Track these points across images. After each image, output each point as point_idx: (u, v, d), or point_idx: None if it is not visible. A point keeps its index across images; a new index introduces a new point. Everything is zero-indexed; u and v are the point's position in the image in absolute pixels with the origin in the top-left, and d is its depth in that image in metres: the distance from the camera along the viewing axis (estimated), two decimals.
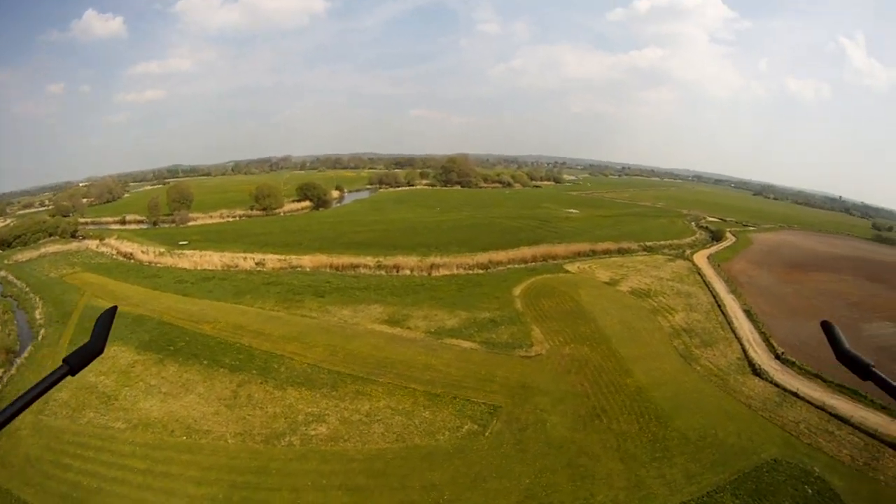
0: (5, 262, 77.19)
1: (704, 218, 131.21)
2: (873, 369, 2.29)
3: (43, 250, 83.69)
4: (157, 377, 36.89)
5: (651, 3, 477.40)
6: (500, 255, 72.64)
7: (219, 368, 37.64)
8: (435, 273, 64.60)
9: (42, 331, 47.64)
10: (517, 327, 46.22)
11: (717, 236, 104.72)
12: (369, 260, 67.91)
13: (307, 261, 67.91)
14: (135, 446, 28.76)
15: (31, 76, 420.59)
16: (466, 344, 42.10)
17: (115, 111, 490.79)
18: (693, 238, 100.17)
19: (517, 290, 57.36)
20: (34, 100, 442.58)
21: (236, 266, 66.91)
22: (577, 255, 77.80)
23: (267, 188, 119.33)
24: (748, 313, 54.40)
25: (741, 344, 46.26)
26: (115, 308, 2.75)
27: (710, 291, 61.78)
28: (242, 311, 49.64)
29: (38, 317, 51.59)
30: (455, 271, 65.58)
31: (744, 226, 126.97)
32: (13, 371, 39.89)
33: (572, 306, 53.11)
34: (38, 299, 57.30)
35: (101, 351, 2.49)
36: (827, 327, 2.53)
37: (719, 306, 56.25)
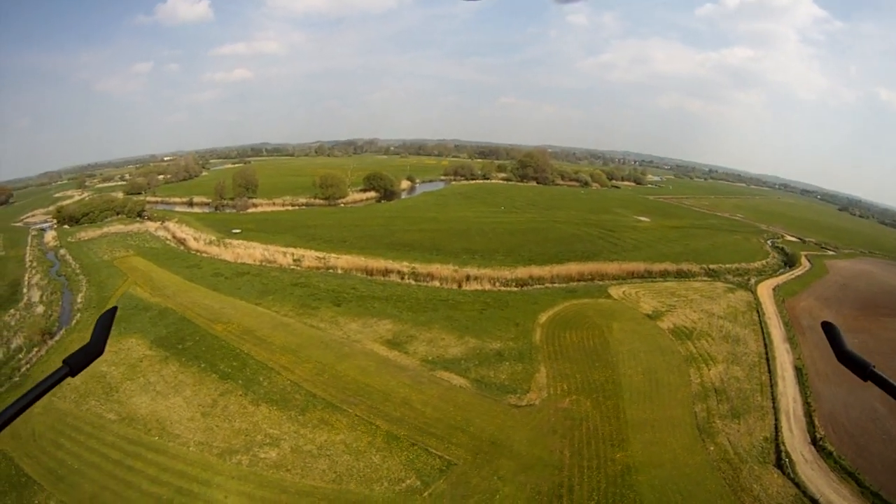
0: (69, 239, 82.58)
1: (783, 236, 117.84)
2: (873, 370, 2.40)
3: (106, 229, 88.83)
4: (156, 374, 38.93)
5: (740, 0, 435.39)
6: (544, 271, 68.26)
7: (211, 374, 38.73)
8: (465, 287, 61.67)
9: (78, 315, 50.77)
10: (523, 365, 41.83)
11: (790, 261, 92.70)
12: (405, 266, 66.58)
13: (343, 261, 67.87)
14: (116, 437, 31.72)
15: (116, 56, 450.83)
16: (457, 381, 38.77)
17: (202, 89, 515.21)
18: (764, 262, 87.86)
19: (543, 317, 52.53)
20: (120, 77, 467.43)
21: (274, 262, 68.20)
22: (630, 276, 70.65)
23: (331, 178, 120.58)
24: (799, 372, 45.64)
25: (776, 418, 38.31)
26: (115, 309, 2.80)
27: (763, 337, 52.44)
28: (259, 313, 50.32)
29: (79, 300, 54.79)
30: (487, 286, 62.13)
31: (822, 248, 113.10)
32: (43, 353, 43.12)
33: (597, 343, 47.34)
34: (85, 281, 60.92)
35: (100, 352, 2.60)
36: (828, 328, 2.68)
37: (767, 360, 47.43)
